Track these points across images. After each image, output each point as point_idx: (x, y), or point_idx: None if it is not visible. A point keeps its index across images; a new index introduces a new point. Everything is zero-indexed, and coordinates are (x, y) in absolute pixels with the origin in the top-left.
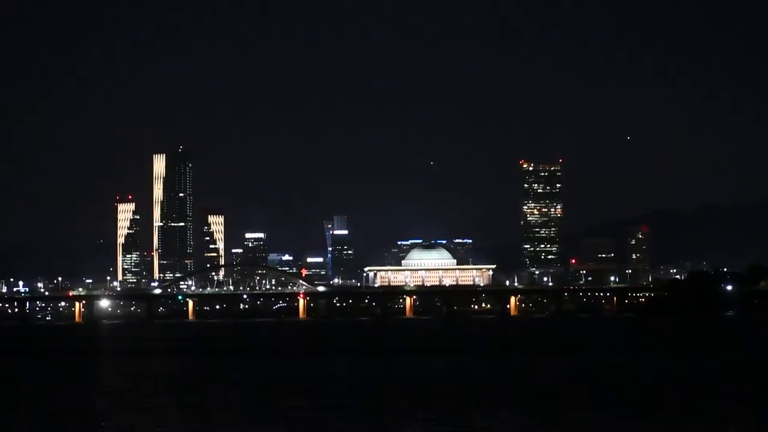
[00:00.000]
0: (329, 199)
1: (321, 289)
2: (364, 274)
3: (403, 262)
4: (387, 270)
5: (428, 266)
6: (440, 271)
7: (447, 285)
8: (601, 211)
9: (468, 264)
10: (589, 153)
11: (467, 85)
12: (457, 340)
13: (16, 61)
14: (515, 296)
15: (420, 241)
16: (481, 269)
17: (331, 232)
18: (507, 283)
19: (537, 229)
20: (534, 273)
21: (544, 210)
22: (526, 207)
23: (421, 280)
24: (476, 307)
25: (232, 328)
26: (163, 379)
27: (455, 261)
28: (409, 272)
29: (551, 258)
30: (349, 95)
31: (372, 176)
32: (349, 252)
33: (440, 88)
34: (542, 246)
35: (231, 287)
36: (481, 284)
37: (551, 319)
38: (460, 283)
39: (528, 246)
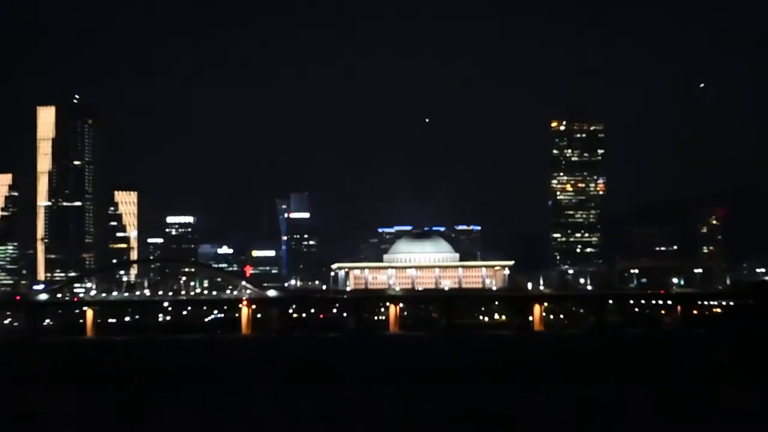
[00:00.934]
0: (285, 172)
1: (272, 293)
2: (332, 274)
3: (385, 256)
4: (364, 267)
5: (420, 262)
6: (437, 270)
7: (446, 288)
8: (659, 188)
9: (475, 260)
10: (641, 108)
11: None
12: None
13: None
14: (540, 304)
15: (409, 228)
16: (493, 267)
17: (286, 215)
18: (529, 286)
19: (570, 212)
20: (566, 272)
21: (580, 186)
22: (556, 182)
23: (410, 281)
24: (486, 318)
25: (149, 349)
26: None
27: (458, 256)
28: (394, 271)
29: (590, 252)
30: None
31: (345, 142)
32: (311, 243)
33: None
34: (578, 235)
35: (146, 291)
36: (494, 287)
37: (591, 337)
38: (464, 285)
39: (558, 235)
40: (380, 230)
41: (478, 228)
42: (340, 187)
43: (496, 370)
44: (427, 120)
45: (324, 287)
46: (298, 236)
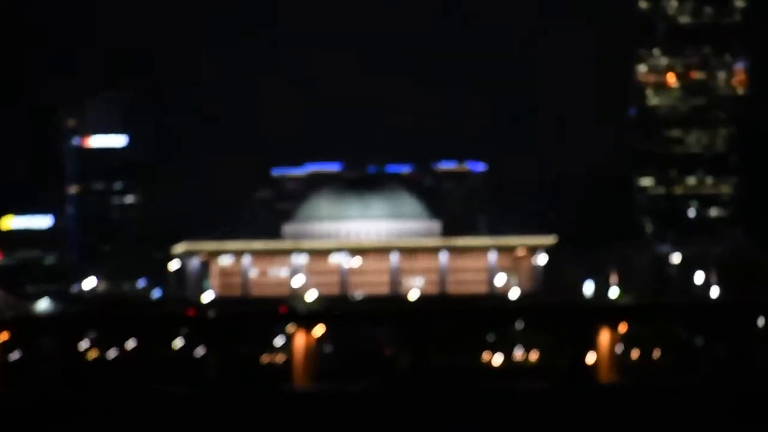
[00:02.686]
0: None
1: (43, 307)
2: (173, 264)
3: (287, 228)
4: (240, 251)
5: (360, 240)
6: (394, 255)
7: (414, 293)
8: None
9: (476, 234)
10: None
11: None
12: None
13: None
14: (614, 327)
15: (336, 168)
16: (512, 248)
17: (78, 142)
18: (588, 288)
19: (677, 132)
20: (667, 257)
21: (697, 76)
22: (646, 68)
23: (338, 279)
24: (497, 354)
25: None
26: None
27: (439, 226)
28: (306, 257)
29: (718, 215)
30: None
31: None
32: (131, 201)
33: None
34: (692, 180)
35: None
36: (514, 290)
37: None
38: (453, 286)
39: (650, 181)
40: (276, 173)
41: (481, 168)
42: (196, 86)
43: None
44: None
45: (157, 292)
46: (101, 186)
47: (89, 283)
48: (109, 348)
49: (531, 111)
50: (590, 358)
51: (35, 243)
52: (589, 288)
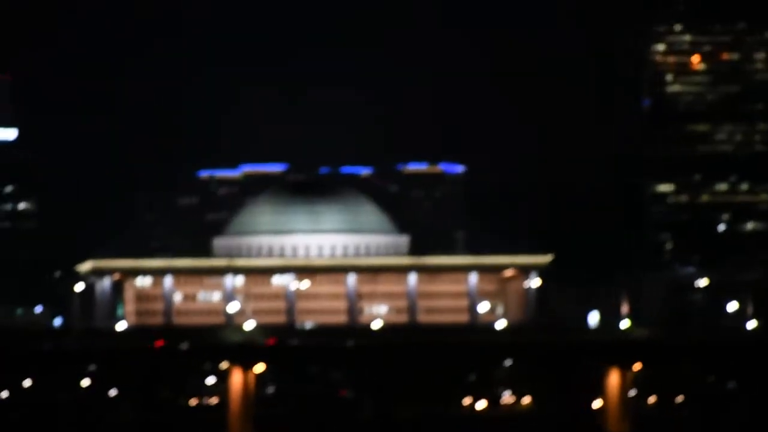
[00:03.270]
0: None
1: None
2: (78, 286)
3: (217, 242)
4: (162, 270)
5: (309, 258)
6: (351, 277)
7: (376, 324)
8: None
9: (452, 252)
10: None
11: None
12: None
13: None
14: (625, 369)
15: (280, 169)
16: (498, 269)
17: None
18: (593, 317)
19: (702, 126)
20: (692, 280)
21: (726, 56)
22: (662, 47)
23: (284, 305)
24: (479, 400)
25: None
26: None
27: (405, 240)
28: (243, 278)
29: (753, 229)
30: None
31: None
32: (23, 207)
33: None
34: (722, 186)
35: None
36: (500, 320)
37: None
38: (425, 315)
39: (670, 187)
40: (203, 174)
41: (460, 169)
42: (99, 66)
43: None
44: None
45: (57, 320)
46: None
47: None
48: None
49: (518, 100)
50: (596, 404)
51: None
52: (593, 319)
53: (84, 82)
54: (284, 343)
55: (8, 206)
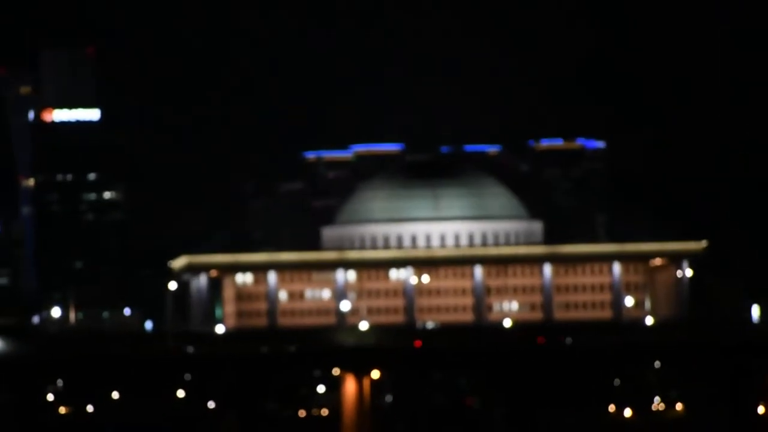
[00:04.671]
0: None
1: None
2: (171, 285)
3: (327, 232)
4: (264, 266)
5: (430, 249)
6: (478, 269)
7: (506, 322)
8: None
9: (592, 240)
10: None
11: None
12: None
13: None
14: None
15: (396, 148)
16: (646, 257)
17: (33, 118)
18: (755, 311)
19: None
20: None
21: None
22: None
23: (402, 302)
24: (625, 405)
25: None
26: None
27: (539, 226)
28: (354, 273)
29: None
30: None
31: None
32: (108, 197)
33: None
34: None
35: None
36: (652, 317)
37: None
38: (565, 310)
39: None
40: (310, 156)
41: (600, 145)
42: (191, 38)
43: None
44: None
45: (148, 324)
46: (68, 177)
47: (54, 312)
48: (85, 401)
49: (664, 69)
50: (760, 410)
51: None
52: (754, 313)
53: (176, 59)
54: (400, 347)
55: (92, 196)
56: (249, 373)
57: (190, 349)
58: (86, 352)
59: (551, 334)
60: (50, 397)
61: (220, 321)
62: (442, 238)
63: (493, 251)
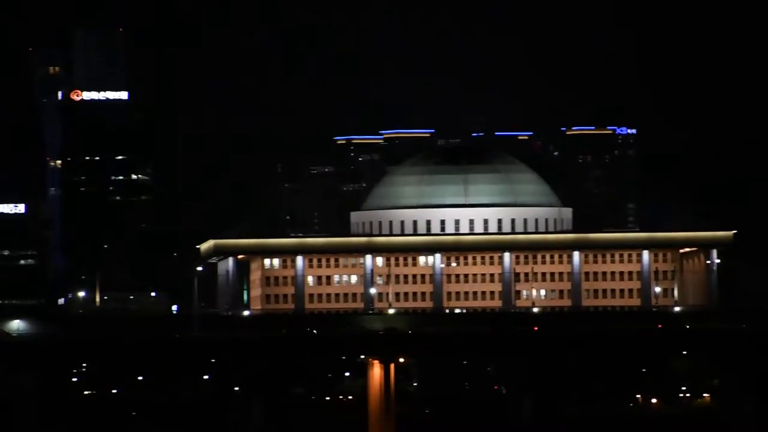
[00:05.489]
0: None
1: (17, 327)
2: (198, 269)
3: (355, 216)
4: (290, 250)
5: (459, 237)
6: (507, 256)
7: (535, 309)
8: None
9: (622, 227)
10: None
11: None
12: None
13: None
14: None
15: (426, 133)
16: (674, 246)
17: (62, 98)
18: None
19: None
20: None
21: None
22: None
23: (430, 288)
24: (653, 395)
25: None
26: None
27: (570, 211)
28: (382, 259)
29: None
30: None
31: None
32: (138, 177)
33: None
34: None
35: None
36: (681, 306)
37: None
38: (594, 298)
39: None
40: (339, 139)
41: (632, 132)
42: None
43: None
44: None
45: (174, 307)
46: (96, 158)
47: (81, 294)
48: (110, 385)
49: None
50: None
51: (4, 239)
52: None
53: (204, 37)
54: (428, 332)
55: (120, 177)
56: (275, 357)
57: (216, 333)
58: (111, 334)
59: (578, 322)
60: (74, 379)
61: (247, 305)
62: (471, 224)
63: (522, 238)
